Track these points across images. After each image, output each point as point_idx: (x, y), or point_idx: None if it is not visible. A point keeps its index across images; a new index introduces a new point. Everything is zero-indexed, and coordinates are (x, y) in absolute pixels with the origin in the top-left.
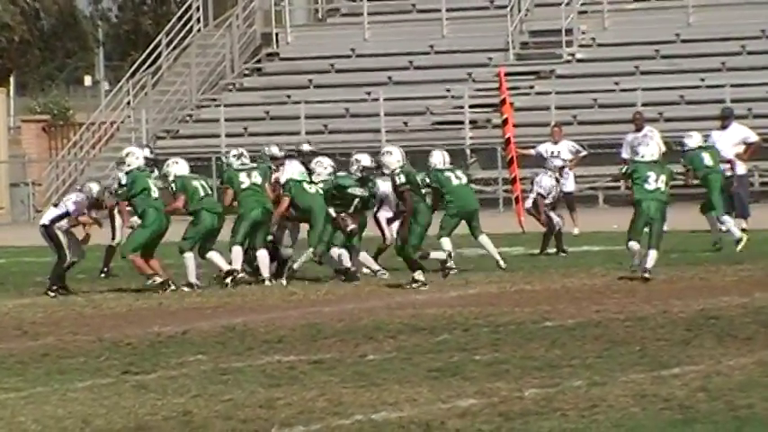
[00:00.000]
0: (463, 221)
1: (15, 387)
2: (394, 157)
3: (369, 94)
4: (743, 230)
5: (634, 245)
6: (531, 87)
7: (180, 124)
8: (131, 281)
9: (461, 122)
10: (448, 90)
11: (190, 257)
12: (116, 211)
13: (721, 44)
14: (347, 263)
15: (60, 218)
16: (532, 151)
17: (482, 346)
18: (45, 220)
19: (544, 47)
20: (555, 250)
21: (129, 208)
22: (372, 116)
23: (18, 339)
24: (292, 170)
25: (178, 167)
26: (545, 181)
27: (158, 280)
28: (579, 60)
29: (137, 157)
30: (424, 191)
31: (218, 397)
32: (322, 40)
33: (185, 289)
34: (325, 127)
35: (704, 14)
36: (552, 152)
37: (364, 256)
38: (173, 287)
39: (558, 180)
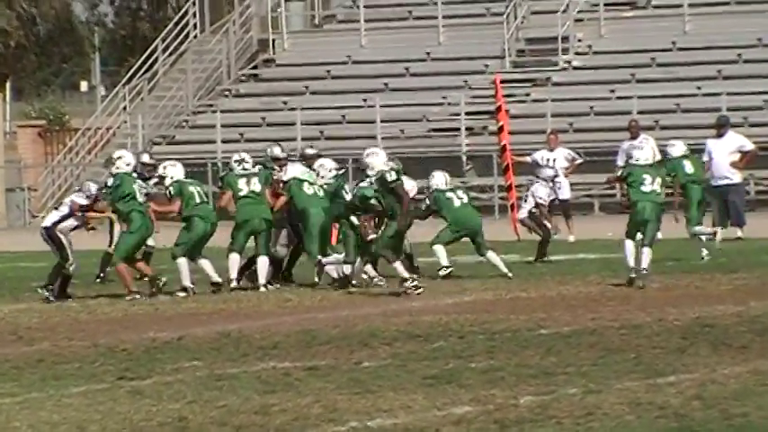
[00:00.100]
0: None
1: (10, 392)
2: (380, 158)
3: (365, 100)
4: (738, 239)
5: (629, 243)
6: (527, 95)
7: (176, 130)
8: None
9: (457, 129)
10: (444, 97)
11: (183, 263)
12: (114, 218)
13: (717, 52)
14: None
15: (62, 220)
16: (528, 158)
17: (477, 354)
18: (47, 222)
19: (540, 54)
20: (536, 257)
21: (113, 214)
22: (368, 123)
23: (13, 344)
24: (295, 170)
25: (175, 170)
26: (540, 190)
27: (138, 297)
28: (575, 68)
29: (127, 162)
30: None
31: (213, 403)
32: (318, 46)
33: (180, 294)
34: (321, 133)
35: (700, 23)
36: (548, 159)
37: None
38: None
39: (551, 189)
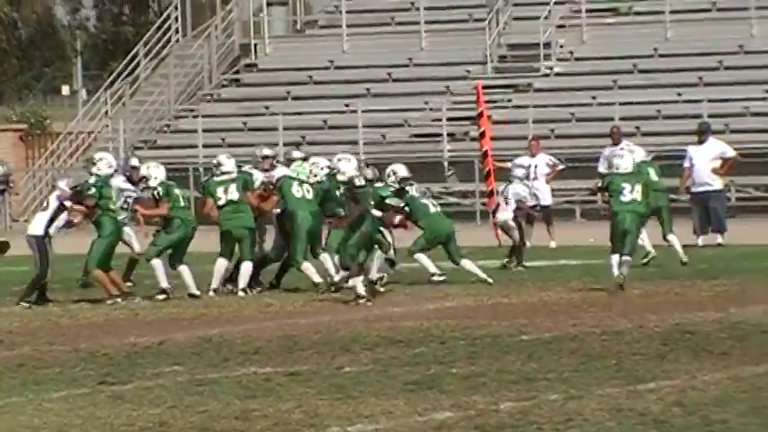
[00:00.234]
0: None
1: None
2: (351, 164)
3: (347, 105)
4: (719, 245)
5: (614, 258)
6: (509, 101)
7: (157, 134)
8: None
9: (439, 135)
10: (426, 103)
11: (158, 264)
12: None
13: (699, 59)
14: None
15: (52, 220)
16: (509, 164)
17: (459, 359)
18: (38, 230)
19: (522, 60)
20: (506, 261)
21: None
22: (350, 128)
23: None
24: (285, 170)
25: (159, 171)
26: (518, 188)
27: (119, 301)
28: (557, 74)
29: (109, 165)
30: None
31: (193, 408)
32: (300, 51)
33: (160, 297)
34: (302, 138)
35: (682, 29)
36: (529, 165)
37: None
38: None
39: (528, 186)
